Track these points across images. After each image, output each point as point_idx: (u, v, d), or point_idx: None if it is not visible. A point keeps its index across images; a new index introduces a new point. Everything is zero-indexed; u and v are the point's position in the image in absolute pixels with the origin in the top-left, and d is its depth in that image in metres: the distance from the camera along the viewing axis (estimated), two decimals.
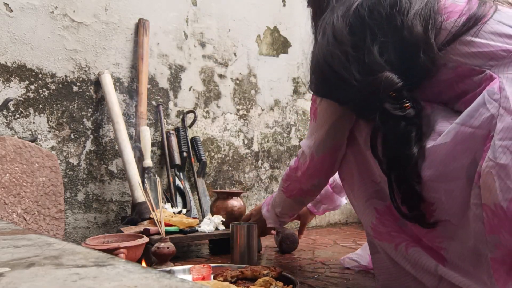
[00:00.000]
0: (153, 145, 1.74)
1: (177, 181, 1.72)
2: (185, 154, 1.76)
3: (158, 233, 1.25)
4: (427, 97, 0.78)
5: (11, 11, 1.48)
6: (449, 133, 0.68)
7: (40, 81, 1.53)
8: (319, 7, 0.92)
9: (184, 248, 1.58)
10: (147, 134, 1.60)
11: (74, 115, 1.59)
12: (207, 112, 1.94)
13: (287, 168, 1.09)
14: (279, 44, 2.19)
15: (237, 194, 1.53)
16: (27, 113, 1.50)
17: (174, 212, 1.44)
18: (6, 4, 1.47)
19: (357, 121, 0.89)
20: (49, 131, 1.54)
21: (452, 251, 0.71)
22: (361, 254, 1.19)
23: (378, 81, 0.73)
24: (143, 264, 1.18)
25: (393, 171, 0.75)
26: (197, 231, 1.37)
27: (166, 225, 1.29)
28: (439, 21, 0.75)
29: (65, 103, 1.58)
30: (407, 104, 0.73)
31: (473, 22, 0.72)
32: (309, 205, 1.40)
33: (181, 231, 1.33)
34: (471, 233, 0.66)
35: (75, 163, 1.58)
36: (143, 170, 1.59)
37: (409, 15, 0.74)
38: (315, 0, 0.96)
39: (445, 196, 0.69)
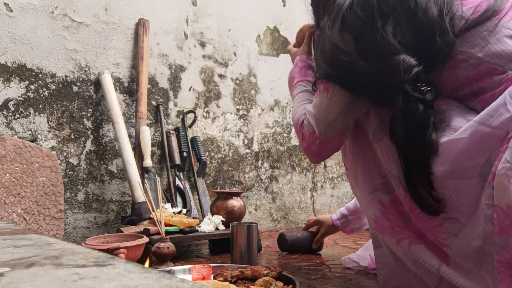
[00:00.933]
0: (153, 145, 1.74)
1: (177, 181, 1.72)
2: (185, 154, 1.76)
3: (158, 233, 1.25)
4: (443, 92, 0.77)
5: (11, 11, 1.48)
6: (466, 131, 0.67)
7: (40, 81, 1.53)
8: (321, 7, 0.91)
9: (184, 248, 1.58)
10: (147, 134, 1.60)
11: (74, 115, 1.59)
12: (207, 112, 1.94)
13: (297, 118, 0.97)
14: (279, 44, 2.19)
15: (237, 194, 1.53)
16: (27, 113, 1.50)
17: (174, 212, 1.44)
18: (6, 4, 1.47)
19: (366, 112, 0.88)
20: (49, 131, 1.54)
21: (455, 249, 0.70)
22: (362, 255, 1.19)
23: (395, 64, 0.71)
24: (147, 264, 1.18)
25: (410, 156, 0.74)
26: (197, 231, 1.37)
27: (166, 225, 1.29)
28: (455, 7, 0.74)
29: (65, 103, 1.58)
30: (424, 88, 0.72)
31: (491, 12, 0.71)
32: (335, 218, 1.36)
33: (181, 231, 1.33)
34: (479, 233, 0.66)
35: (75, 163, 1.58)
36: (143, 170, 1.59)
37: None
38: (315, 5, 0.96)
39: (455, 194, 0.68)
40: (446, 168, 0.69)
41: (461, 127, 0.69)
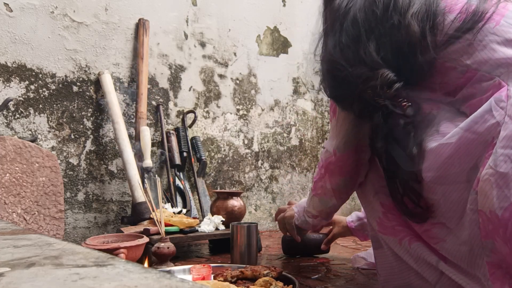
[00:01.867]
0: (153, 145, 1.74)
1: (177, 181, 1.72)
2: (185, 154, 1.76)
3: (158, 233, 1.25)
4: (436, 97, 0.78)
5: (11, 11, 1.48)
6: (453, 137, 0.68)
7: (40, 81, 1.53)
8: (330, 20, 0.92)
9: (184, 248, 1.58)
10: (147, 134, 1.60)
11: (74, 115, 1.59)
12: (207, 112, 1.94)
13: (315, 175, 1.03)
14: (279, 44, 2.19)
15: (237, 194, 1.53)
16: (27, 113, 1.50)
17: (174, 212, 1.44)
18: (6, 4, 1.47)
19: None
20: (49, 131, 1.54)
21: (445, 252, 0.72)
22: (371, 252, 1.19)
23: (375, 77, 0.73)
24: (146, 264, 1.18)
25: (392, 169, 0.75)
26: (197, 231, 1.37)
27: (166, 225, 1.29)
28: (440, 19, 0.74)
29: (65, 103, 1.58)
30: (405, 103, 0.73)
31: (474, 20, 0.71)
32: (350, 220, 1.32)
33: (181, 231, 1.33)
34: (466, 237, 0.67)
35: (75, 163, 1.58)
36: (143, 170, 1.59)
37: (407, 14, 0.74)
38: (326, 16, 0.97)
39: (443, 199, 0.69)
40: (434, 173, 0.70)
41: (448, 133, 0.70)
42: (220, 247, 1.47)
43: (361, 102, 0.77)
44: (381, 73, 0.73)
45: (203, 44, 1.94)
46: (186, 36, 1.89)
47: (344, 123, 0.88)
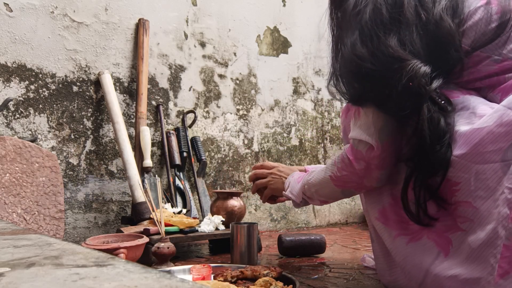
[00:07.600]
0: (153, 145, 1.74)
1: (177, 181, 1.72)
2: (185, 154, 1.76)
3: (158, 233, 1.25)
4: (462, 86, 0.79)
5: (11, 11, 1.48)
6: (495, 113, 0.68)
7: (40, 81, 1.53)
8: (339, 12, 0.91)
9: (184, 248, 1.58)
10: (147, 134, 1.60)
11: (74, 115, 1.59)
12: (207, 112, 1.94)
13: (337, 157, 0.92)
14: (279, 44, 2.19)
15: (237, 194, 1.53)
16: (27, 113, 1.50)
17: (174, 212, 1.44)
18: (6, 4, 1.47)
19: None
20: (49, 131, 1.54)
21: (470, 232, 0.70)
22: None
23: (406, 69, 0.72)
24: None
25: (419, 168, 0.74)
26: (197, 231, 1.37)
27: (166, 225, 1.29)
28: (463, 19, 0.75)
29: (65, 103, 1.58)
30: (444, 103, 0.73)
31: (504, 23, 0.72)
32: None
33: (181, 231, 1.33)
34: (495, 216, 0.66)
35: (75, 163, 1.58)
36: (143, 170, 1.59)
37: (436, 11, 0.75)
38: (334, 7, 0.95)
39: (474, 178, 0.68)
40: (467, 151, 0.69)
41: (486, 114, 0.70)
42: (220, 247, 1.47)
43: (402, 96, 0.74)
44: (412, 64, 0.72)
45: (203, 44, 1.94)
46: (186, 36, 1.89)
47: (375, 113, 0.82)
